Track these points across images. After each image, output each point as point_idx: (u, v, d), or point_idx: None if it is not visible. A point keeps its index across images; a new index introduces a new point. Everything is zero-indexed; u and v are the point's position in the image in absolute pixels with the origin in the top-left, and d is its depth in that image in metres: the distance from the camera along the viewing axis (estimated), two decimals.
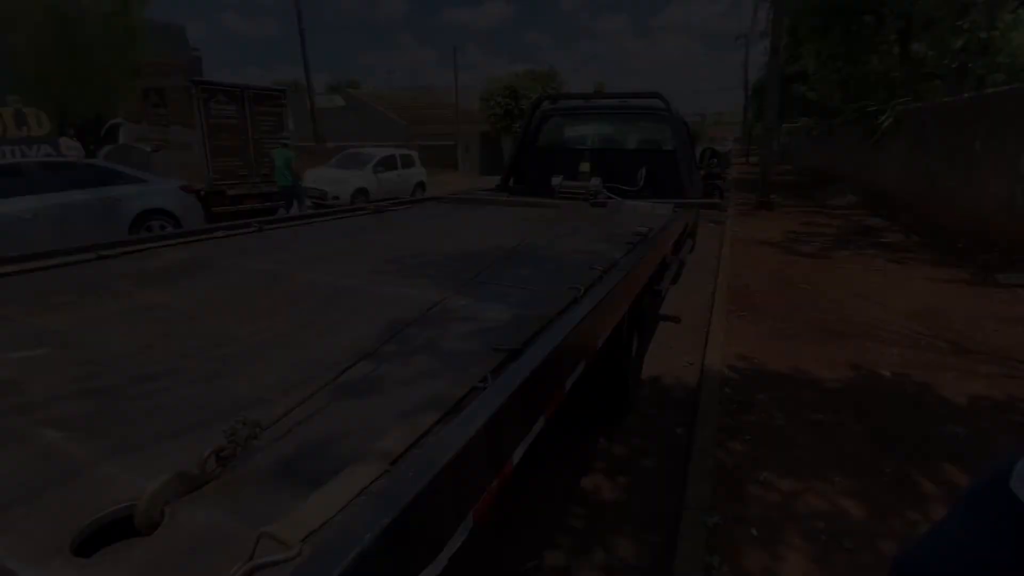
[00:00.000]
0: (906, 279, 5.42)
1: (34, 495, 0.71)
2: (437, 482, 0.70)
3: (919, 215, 8.88)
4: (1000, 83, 7.91)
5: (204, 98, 8.06)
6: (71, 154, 7.86)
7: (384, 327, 1.34)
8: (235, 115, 8.51)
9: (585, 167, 4.79)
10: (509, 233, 2.75)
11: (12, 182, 5.29)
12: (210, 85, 8.34)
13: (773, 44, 10.12)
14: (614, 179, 5.00)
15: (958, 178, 7.62)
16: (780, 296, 4.89)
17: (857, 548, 1.84)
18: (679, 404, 2.96)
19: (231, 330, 1.35)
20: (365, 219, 3.36)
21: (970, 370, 3.31)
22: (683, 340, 3.90)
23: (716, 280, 5.43)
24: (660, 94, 4.56)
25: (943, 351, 3.64)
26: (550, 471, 2.29)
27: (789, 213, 10.26)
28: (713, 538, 1.88)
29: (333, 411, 0.95)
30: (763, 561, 1.80)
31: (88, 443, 0.84)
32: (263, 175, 8.79)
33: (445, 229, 3.05)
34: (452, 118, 27.08)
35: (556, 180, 4.70)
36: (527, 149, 5.32)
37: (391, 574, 0.65)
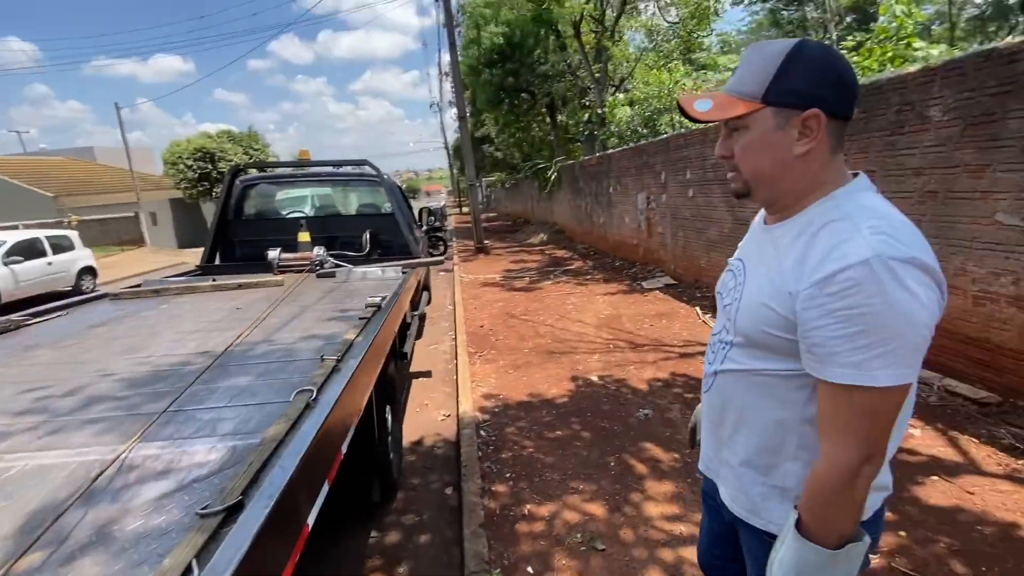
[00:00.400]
0: (591, 297, 6.87)
1: None
2: None
3: (588, 245, 11.50)
4: (614, 146, 11.01)
5: None
6: None
7: (21, 524, 0.92)
8: None
9: (305, 236, 4.52)
10: (218, 330, 2.32)
11: None
12: None
13: (460, 113, 11.73)
14: (338, 246, 4.87)
15: (604, 214, 10.20)
16: (510, 330, 5.54)
17: (609, 548, 2.15)
18: (444, 462, 2.99)
19: None
20: None
21: (643, 360, 4.37)
22: (437, 393, 4.00)
23: (455, 326, 5.80)
24: (368, 161, 4.70)
25: (625, 349, 4.70)
26: None
27: (501, 255, 11.89)
28: None
29: None
30: None
31: None
32: None
33: (123, 340, 2.26)
34: (125, 185, 22.22)
35: (274, 254, 4.28)
36: (231, 222, 4.72)
37: None
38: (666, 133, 9.14)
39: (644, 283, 7.32)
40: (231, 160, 22.73)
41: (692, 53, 14.12)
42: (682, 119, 10.19)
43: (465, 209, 26.56)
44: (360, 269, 3.87)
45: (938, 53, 4.36)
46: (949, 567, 1.91)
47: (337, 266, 4.32)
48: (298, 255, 4.29)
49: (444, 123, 33.33)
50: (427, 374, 4.41)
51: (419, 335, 5.63)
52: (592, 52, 13.62)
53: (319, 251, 4.28)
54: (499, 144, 25.49)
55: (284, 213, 5.26)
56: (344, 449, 1.45)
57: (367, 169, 4.87)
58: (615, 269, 8.73)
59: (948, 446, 2.68)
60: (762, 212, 1.00)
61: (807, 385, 0.82)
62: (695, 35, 13.56)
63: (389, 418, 2.59)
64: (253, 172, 5.50)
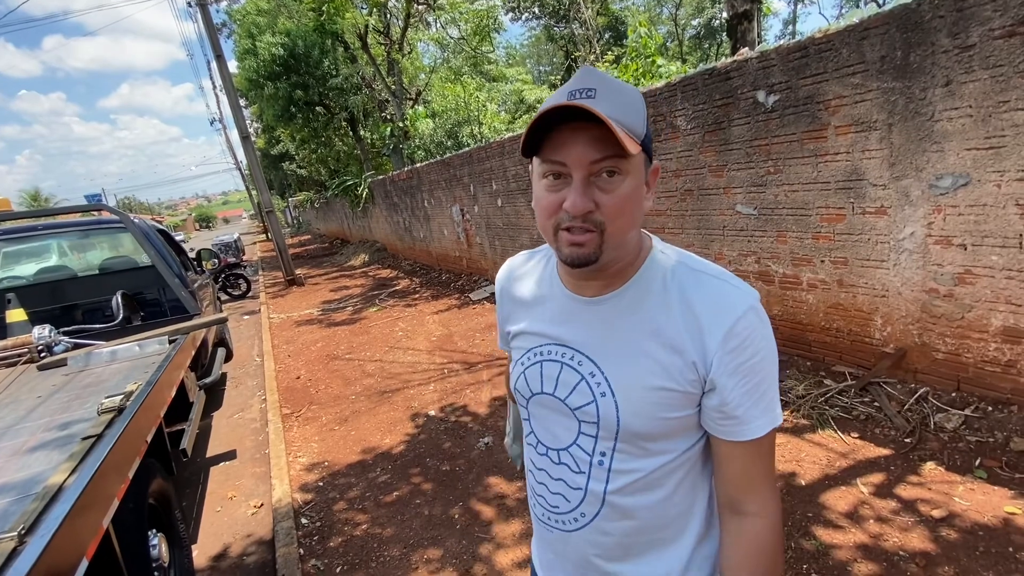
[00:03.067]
0: (421, 318, 6.60)
1: None
2: None
3: (412, 261, 11.19)
4: (421, 159, 10.87)
5: None
6: None
7: None
8: None
9: (18, 314, 3.36)
10: None
11: None
12: None
13: (241, 133, 10.34)
14: (77, 319, 3.76)
15: (424, 228, 10.00)
16: (332, 376, 4.96)
17: None
18: (258, 575, 2.42)
19: None
20: None
21: (479, 380, 4.26)
22: (245, 477, 3.31)
23: (265, 384, 4.99)
24: (103, 204, 3.69)
25: (460, 371, 4.55)
26: None
27: (318, 284, 10.85)
28: None
29: None
30: None
31: None
32: None
33: None
34: None
35: None
36: None
37: None
38: (468, 145, 9.32)
39: (471, 295, 7.32)
40: None
41: (481, 66, 14.75)
42: (481, 131, 10.53)
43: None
44: (106, 348, 2.98)
45: (675, 69, 5.16)
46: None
47: (76, 346, 3.30)
48: (8, 342, 3.15)
49: (232, 141, 29.22)
50: (231, 455, 3.66)
51: (218, 405, 4.71)
52: (384, 64, 13.28)
53: (42, 331, 3.20)
54: (301, 161, 23.46)
55: None
56: None
57: (106, 215, 3.82)
58: (443, 283, 8.59)
59: None
60: (544, 279, 0.82)
61: (701, 452, 0.76)
62: (479, 51, 14.17)
63: (161, 551, 1.97)
64: None
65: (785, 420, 2.89)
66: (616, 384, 0.71)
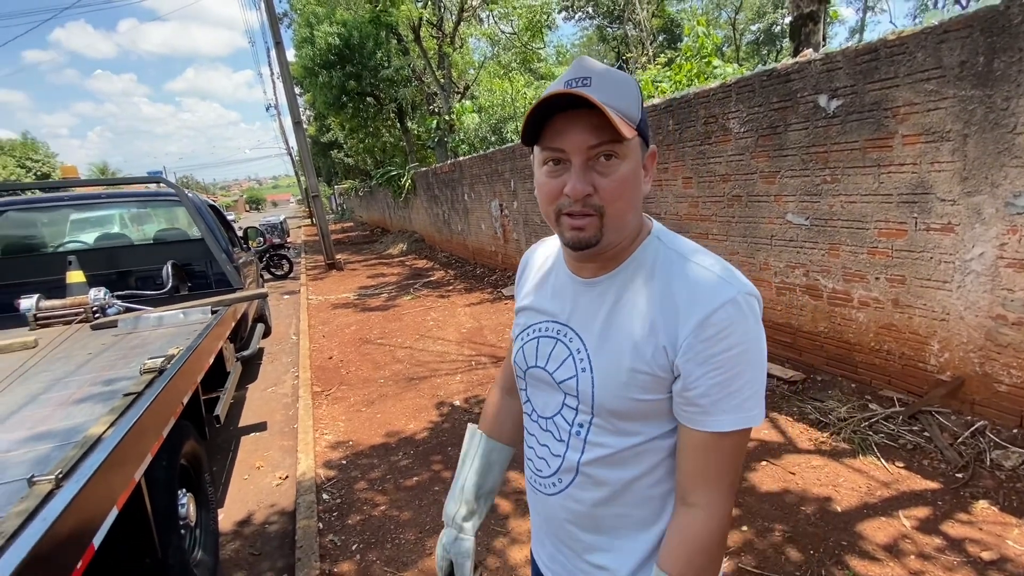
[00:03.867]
0: (453, 310, 6.65)
1: None
2: None
3: (448, 253, 11.29)
4: (465, 152, 10.94)
5: None
6: None
7: None
8: None
9: (77, 276, 3.56)
10: None
11: None
12: None
13: (294, 119, 10.67)
14: (132, 284, 3.96)
15: (462, 222, 10.07)
16: (363, 359, 5.05)
17: None
18: (279, 542, 2.48)
19: None
20: None
21: None
22: (273, 449, 3.41)
23: (299, 361, 5.13)
24: (162, 178, 3.86)
25: (487, 364, 4.55)
26: None
27: (356, 270, 11.10)
28: None
29: None
30: None
31: None
32: None
33: None
34: None
35: (28, 303, 3.29)
36: None
37: None
38: (512, 141, 9.31)
39: (504, 290, 7.31)
40: None
41: (531, 64, 14.71)
42: None
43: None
44: (154, 314, 3.12)
45: (732, 71, 4.99)
46: (785, 555, 2.03)
47: (128, 310, 3.47)
48: (67, 301, 3.35)
49: (285, 127, 30.34)
50: (261, 427, 3.78)
51: (254, 378, 4.88)
52: (435, 58, 13.43)
53: (98, 293, 3.38)
54: (348, 149, 24.04)
55: (50, 247, 4.13)
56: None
57: (163, 188, 4.01)
58: (477, 277, 8.63)
59: (770, 427, 2.96)
60: (553, 260, 0.86)
61: (674, 444, 0.75)
62: (530, 47, 14.13)
63: (189, 511, 2.04)
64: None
65: (823, 442, 2.74)
66: (596, 361, 0.74)
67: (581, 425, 0.77)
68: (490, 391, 1.06)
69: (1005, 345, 2.42)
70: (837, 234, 3.05)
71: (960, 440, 2.54)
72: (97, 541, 1.20)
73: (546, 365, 0.80)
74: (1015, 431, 2.44)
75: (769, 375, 3.52)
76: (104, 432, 1.46)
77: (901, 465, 2.48)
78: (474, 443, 1.00)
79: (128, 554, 1.67)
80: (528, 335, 0.84)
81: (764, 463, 2.64)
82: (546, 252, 0.90)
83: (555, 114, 0.66)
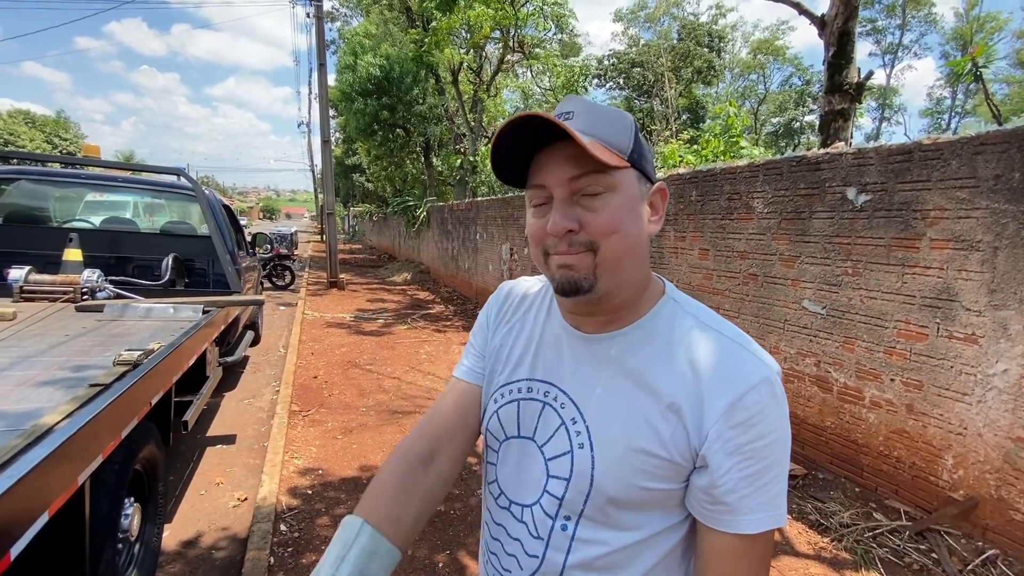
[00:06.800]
0: (447, 346, 6.50)
1: None
2: None
3: (451, 288, 11.24)
4: (484, 194, 11.11)
5: None
6: None
7: None
8: None
9: (75, 254, 3.47)
10: None
11: None
12: None
13: (323, 137, 10.91)
14: (128, 272, 3.86)
15: (471, 260, 10.07)
16: (348, 383, 4.87)
17: None
18: (221, 574, 2.25)
19: None
20: None
21: None
22: (237, 465, 3.20)
23: (282, 376, 4.95)
24: (183, 171, 3.85)
25: None
26: None
27: (357, 291, 11.01)
28: None
29: None
30: None
31: None
32: None
33: None
34: None
35: (17, 273, 3.19)
36: None
37: None
38: None
39: None
40: (23, 147, 18.53)
41: None
42: None
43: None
44: (143, 304, 3.01)
45: (759, 152, 5.09)
46: None
47: (118, 296, 3.36)
48: (57, 278, 3.25)
49: (313, 144, 31.21)
50: (230, 440, 3.58)
51: (232, 386, 4.69)
52: (469, 101, 13.91)
53: (91, 275, 3.29)
54: (370, 175, 24.54)
55: (56, 222, 4.07)
56: None
57: (181, 180, 3.99)
58: (475, 316, 8.50)
59: None
60: (547, 305, 0.73)
61: (683, 539, 0.64)
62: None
63: (132, 523, 1.85)
64: (21, 164, 4.22)
65: (823, 549, 2.54)
66: (596, 436, 0.62)
67: (568, 518, 0.63)
68: (388, 459, 0.73)
69: None
70: (854, 328, 2.97)
71: (970, 568, 2.35)
72: (16, 551, 1.05)
73: (533, 436, 0.66)
74: None
75: None
76: (58, 423, 1.33)
77: None
78: (349, 537, 0.62)
79: (52, 564, 1.49)
80: (504, 396, 0.70)
81: None
82: (534, 295, 0.77)
83: (538, 152, 0.61)
